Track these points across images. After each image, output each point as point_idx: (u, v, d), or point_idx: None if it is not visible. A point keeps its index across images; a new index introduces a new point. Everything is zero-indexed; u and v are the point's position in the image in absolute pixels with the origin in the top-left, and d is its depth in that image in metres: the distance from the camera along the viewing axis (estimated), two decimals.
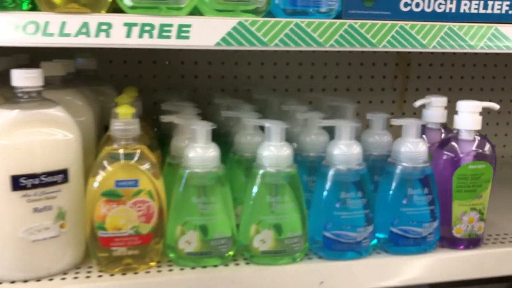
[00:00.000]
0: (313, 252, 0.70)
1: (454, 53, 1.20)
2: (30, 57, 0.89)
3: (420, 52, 1.17)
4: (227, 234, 0.67)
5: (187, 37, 0.60)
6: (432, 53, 1.18)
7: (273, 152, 0.67)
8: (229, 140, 0.78)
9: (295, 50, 0.64)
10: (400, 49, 0.67)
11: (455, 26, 0.68)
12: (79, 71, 0.88)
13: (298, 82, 1.12)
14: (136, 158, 0.63)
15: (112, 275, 0.64)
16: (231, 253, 0.68)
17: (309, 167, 0.75)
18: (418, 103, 0.78)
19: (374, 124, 0.77)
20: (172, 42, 0.60)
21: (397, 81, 1.18)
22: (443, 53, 1.19)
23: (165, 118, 0.72)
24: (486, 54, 1.21)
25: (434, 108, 0.79)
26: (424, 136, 0.80)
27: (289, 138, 0.70)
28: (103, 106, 0.82)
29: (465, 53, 1.20)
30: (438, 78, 1.20)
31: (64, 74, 0.74)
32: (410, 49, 0.67)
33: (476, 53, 1.21)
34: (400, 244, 0.71)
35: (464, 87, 1.22)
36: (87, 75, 0.89)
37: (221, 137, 0.77)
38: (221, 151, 0.68)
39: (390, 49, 0.66)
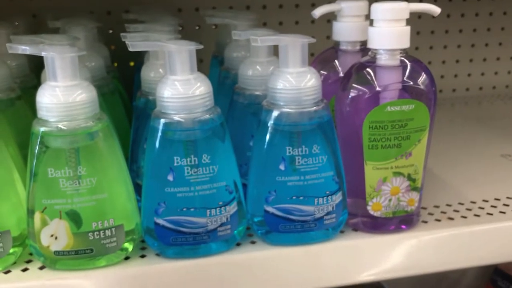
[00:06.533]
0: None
1: None
2: None
3: None
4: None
5: None
6: None
7: (59, 98, 0.41)
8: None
9: None
10: None
11: None
12: None
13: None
14: None
15: None
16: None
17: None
18: (318, 12, 0.50)
19: (254, 49, 0.51)
20: None
21: None
22: None
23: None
24: None
25: (347, 18, 0.52)
26: (336, 62, 0.54)
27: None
28: None
29: None
30: None
31: None
32: None
33: None
34: (281, 230, 0.47)
35: None
36: None
37: None
38: None
39: None
